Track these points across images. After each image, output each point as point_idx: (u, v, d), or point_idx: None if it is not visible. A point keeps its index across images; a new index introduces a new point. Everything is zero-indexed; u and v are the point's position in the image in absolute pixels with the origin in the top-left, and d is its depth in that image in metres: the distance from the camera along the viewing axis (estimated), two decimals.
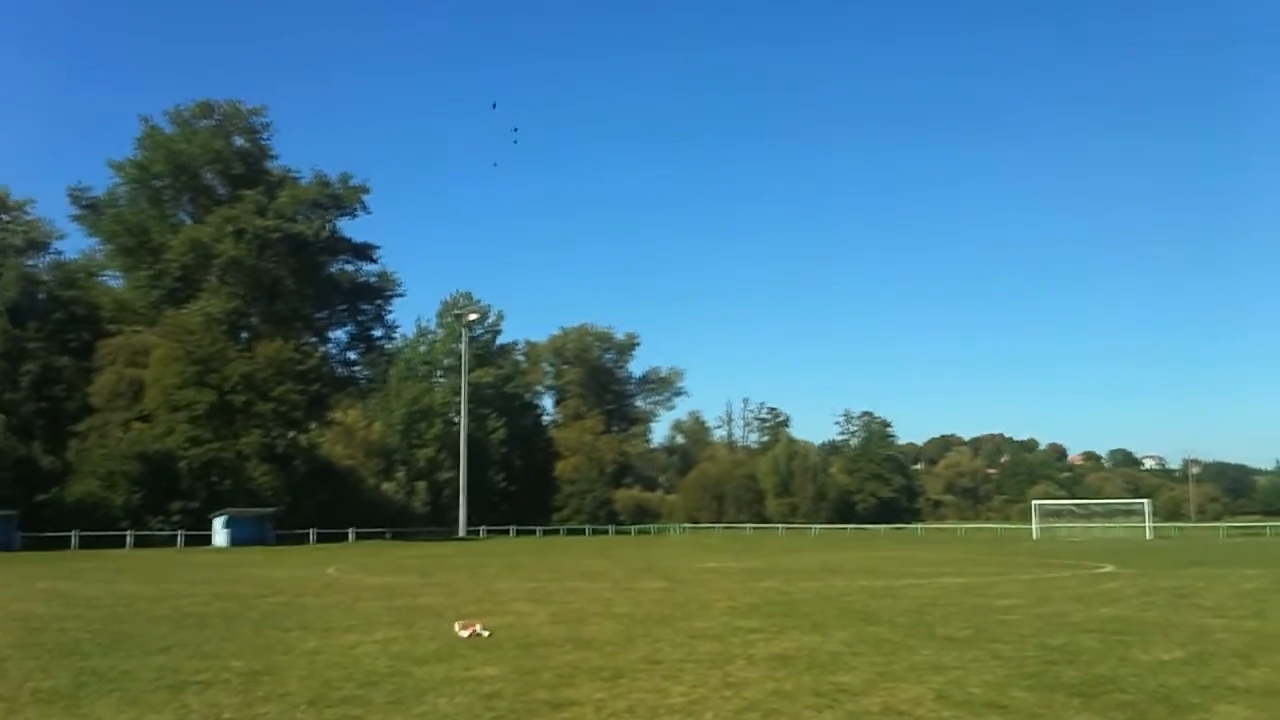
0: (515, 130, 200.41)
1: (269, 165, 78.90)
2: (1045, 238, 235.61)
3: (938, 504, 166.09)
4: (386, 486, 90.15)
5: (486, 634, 13.44)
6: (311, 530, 66.29)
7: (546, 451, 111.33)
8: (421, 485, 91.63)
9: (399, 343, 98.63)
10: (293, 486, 70.11)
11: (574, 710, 8.75)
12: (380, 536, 71.64)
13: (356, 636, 13.91)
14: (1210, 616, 16.34)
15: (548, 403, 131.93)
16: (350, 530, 69.95)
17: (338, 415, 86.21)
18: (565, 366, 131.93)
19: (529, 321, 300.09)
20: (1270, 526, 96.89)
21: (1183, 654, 11.91)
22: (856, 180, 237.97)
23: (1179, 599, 19.94)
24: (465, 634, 13.40)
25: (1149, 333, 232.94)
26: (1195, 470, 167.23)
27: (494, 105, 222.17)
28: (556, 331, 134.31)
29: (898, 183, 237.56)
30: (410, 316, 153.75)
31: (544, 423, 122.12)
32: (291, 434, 72.97)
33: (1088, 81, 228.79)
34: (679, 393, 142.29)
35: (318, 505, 70.50)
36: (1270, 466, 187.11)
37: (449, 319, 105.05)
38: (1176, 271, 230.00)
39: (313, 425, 77.77)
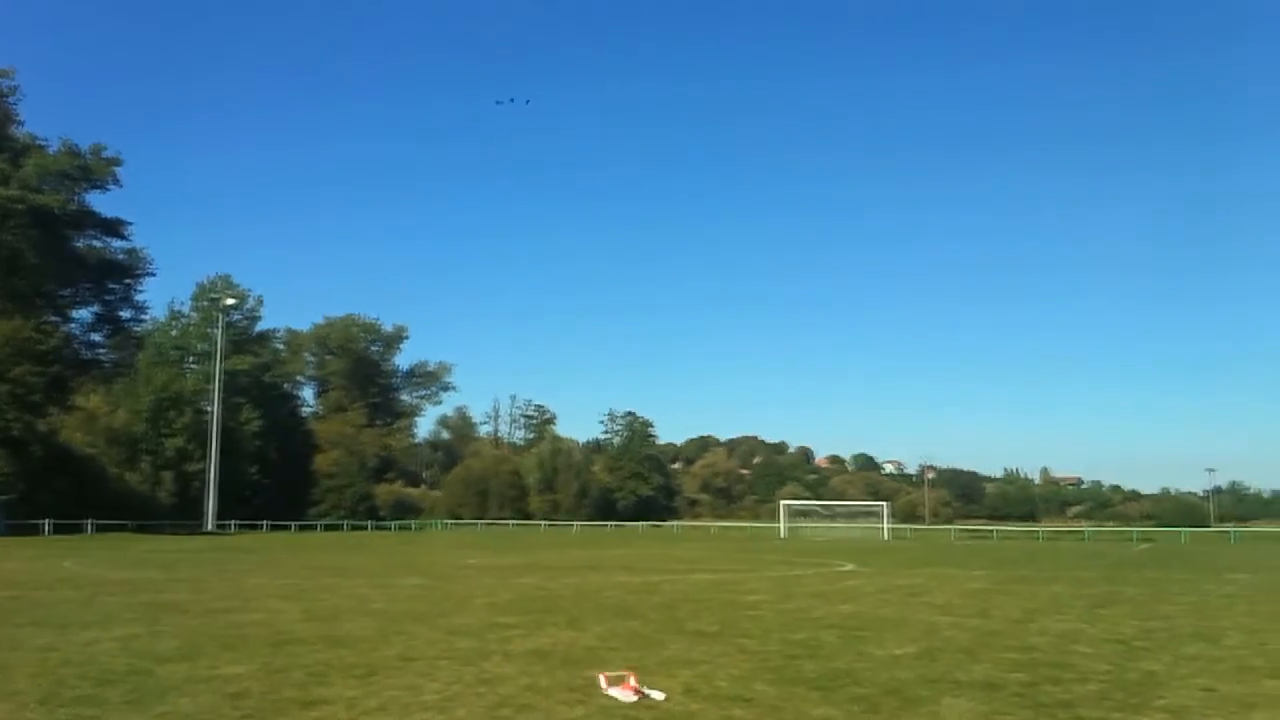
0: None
1: (15, 132, 73.62)
2: (795, 243, 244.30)
3: (694, 503, 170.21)
4: (130, 477, 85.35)
5: (661, 696, 9.08)
6: (47, 521, 62.33)
7: (305, 444, 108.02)
8: (168, 476, 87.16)
9: (149, 325, 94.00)
10: (28, 474, 65.85)
11: (324, 709, 8.59)
12: (122, 529, 67.88)
13: (94, 633, 13.20)
14: (940, 614, 17.39)
15: (308, 394, 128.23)
16: (89, 522, 66.14)
17: (79, 400, 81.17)
18: (329, 357, 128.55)
19: (291, 309, 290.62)
20: (997, 530, 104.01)
21: (914, 649, 12.63)
22: (625, 181, 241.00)
23: (912, 597, 21.14)
24: (627, 697, 8.96)
25: (891, 345, 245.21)
26: (931, 476, 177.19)
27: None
28: (320, 321, 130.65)
29: (662, 185, 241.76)
30: (163, 299, 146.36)
31: (304, 414, 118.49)
32: (28, 418, 68.28)
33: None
34: (446, 388, 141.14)
35: (55, 494, 66.40)
36: (998, 474, 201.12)
37: (204, 303, 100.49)
38: (914, 289, 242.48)
39: (52, 410, 73.00)
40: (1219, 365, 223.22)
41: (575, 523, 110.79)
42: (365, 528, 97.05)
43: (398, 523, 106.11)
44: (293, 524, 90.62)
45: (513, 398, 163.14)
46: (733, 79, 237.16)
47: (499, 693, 9.32)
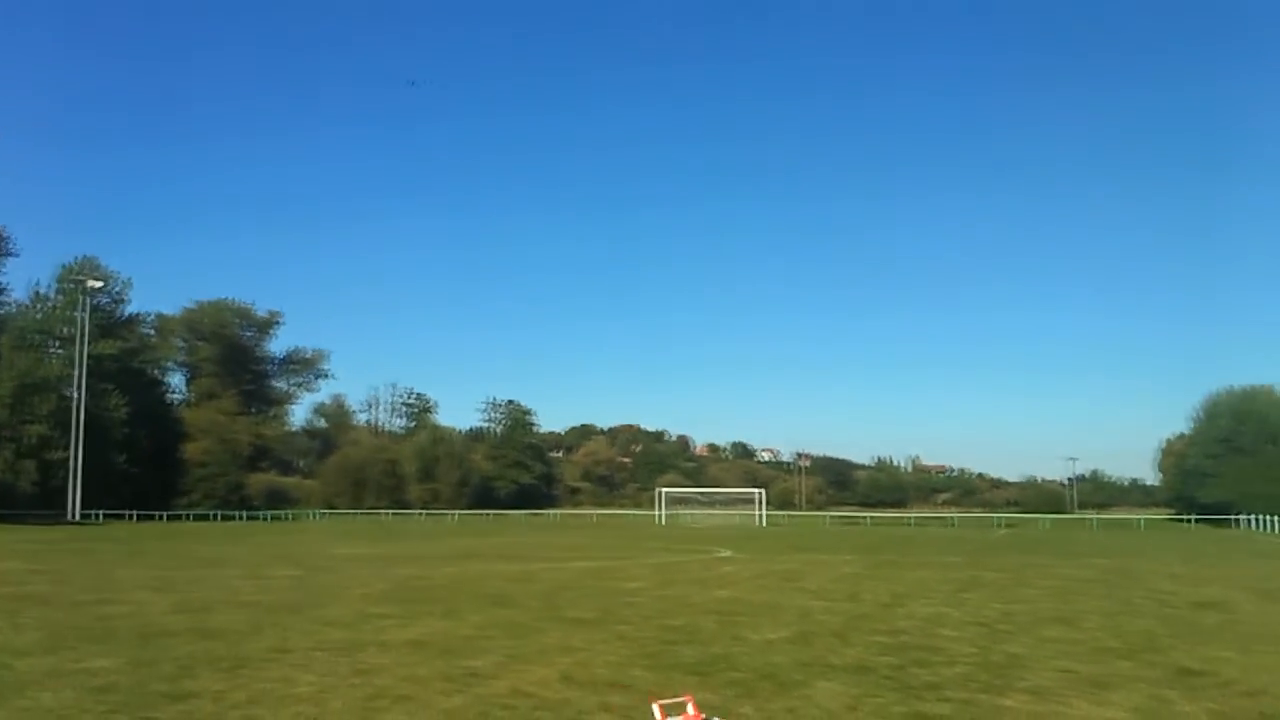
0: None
1: None
2: (670, 230, 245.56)
3: (575, 491, 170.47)
4: None
5: None
6: None
7: (175, 432, 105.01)
8: (30, 465, 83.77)
9: (11, 309, 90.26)
10: None
11: (192, 702, 8.40)
12: None
13: None
14: (813, 599, 17.76)
15: (178, 380, 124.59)
16: None
17: None
18: (199, 343, 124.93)
19: (160, 293, 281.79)
20: (868, 516, 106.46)
21: (788, 634, 12.89)
22: (502, 167, 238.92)
23: (786, 582, 21.54)
24: None
25: (767, 336, 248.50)
26: (805, 464, 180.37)
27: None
28: (191, 305, 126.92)
29: (537, 174, 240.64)
30: (25, 281, 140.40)
31: (173, 401, 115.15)
32: None
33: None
34: (322, 375, 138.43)
35: None
36: (869, 462, 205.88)
37: (69, 285, 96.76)
38: (787, 281, 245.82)
39: None
40: (1079, 361, 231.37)
41: (454, 512, 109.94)
42: (237, 518, 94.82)
43: (271, 513, 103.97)
44: (161, 514, 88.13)
45: (391, 386, 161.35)
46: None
47: (374, 684, 9.24)
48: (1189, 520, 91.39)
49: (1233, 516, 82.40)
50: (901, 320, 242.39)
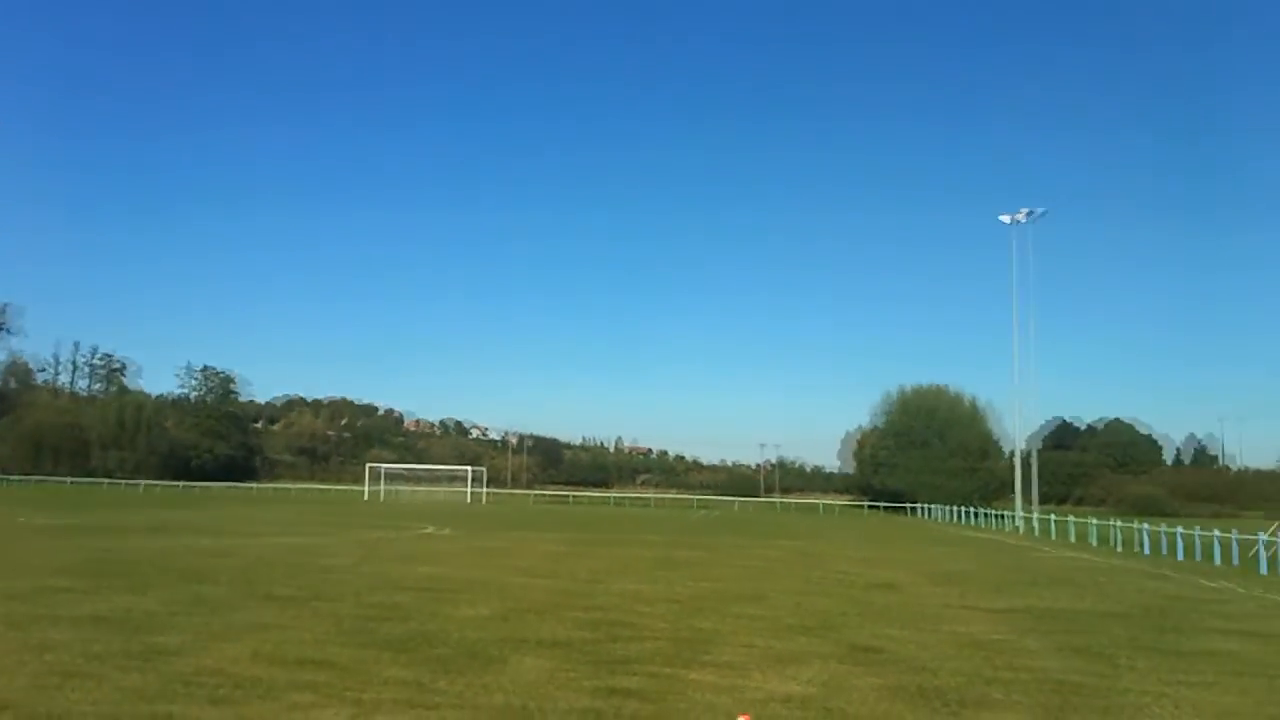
0: None
1: None
2: (385, 204, 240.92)
3: (279, 464, 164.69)
4: None
5: None
6: None
7: None
8: None
9: None
10: None
11: None
12: None
13: None
14: (517, 575, 17.98)
15: None
16: None
17: None
18: None
19: None
20: (574, 495, 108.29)
21: (490, 610, 13.02)
22: (194, 118, 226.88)
23: (492, 559, 21.69)
24: None
25: (485, 312, 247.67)
26: (515, 441, 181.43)
27: None
28: None
29: (245, 130, 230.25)
30: None
31: None
32: None
33: None
34: (5, 329, 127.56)
35: None
36: (578, 441, 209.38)
37: None
38: (501, 260, 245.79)
39: None
40: (774, 354, 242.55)
41: (144, 482, 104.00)
42: None
43: None
44: None
45: (76, 345, 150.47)
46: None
47: (48, 660, 8.73)
48: (868, 506, 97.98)
49: (907, 504, 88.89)
50: (612, 308, 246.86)
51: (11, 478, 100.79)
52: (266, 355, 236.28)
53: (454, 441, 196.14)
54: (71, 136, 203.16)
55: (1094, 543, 38.03)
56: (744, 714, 7.54)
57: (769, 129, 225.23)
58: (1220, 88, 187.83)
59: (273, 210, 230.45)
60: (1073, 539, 41.38)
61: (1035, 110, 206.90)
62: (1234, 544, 28.21)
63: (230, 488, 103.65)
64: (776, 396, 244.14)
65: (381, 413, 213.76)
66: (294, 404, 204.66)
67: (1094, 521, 40.76)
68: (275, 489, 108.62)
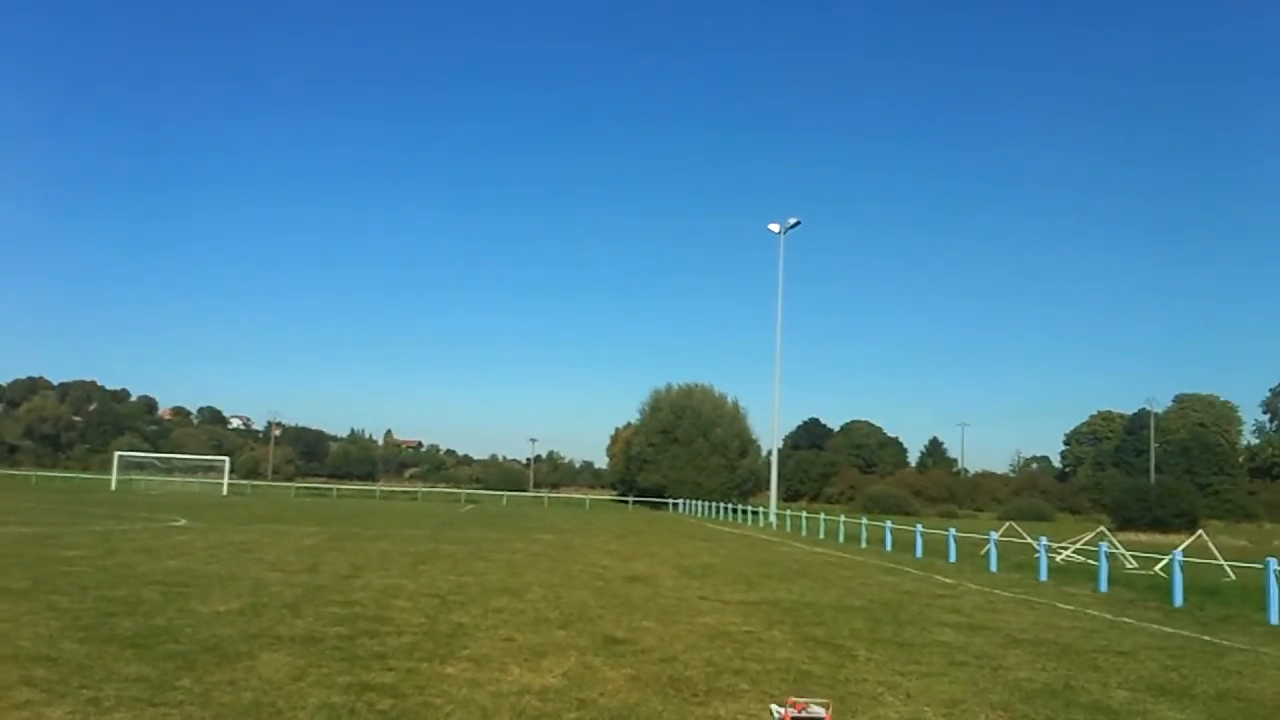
0: None
1: None
2: (170, 179, 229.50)
3: (14, 449, 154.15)
4: None
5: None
6: None
7: None
8: None
9: None
10: None
11: None
12: None
13: None
14: (269, 570, 17.52)
15: None
16: None
17: None
18: None
19: None
20: (336, 488, 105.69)
21: (239, 605, 12.66)
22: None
23: (243, 553, 21.04)
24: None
25: (249, 298, 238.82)
26: (277, 433, 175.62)
27: None
28: None
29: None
30: None
31: None
32: None
33: None
34: None
35: None
36: (344, 434, 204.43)
37: None
38: (245, 246, 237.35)
39: None
40: (542, 353, 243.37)
41: None
42: None
43: None
44: None
45: None
46: None
47: None
48: (629, 502, 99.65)
49: (665, 500, 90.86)
50: (383, 303, 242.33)
51: None
52: (4, 333, 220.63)
53: (211, 431, 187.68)
54: None
55: (841, 539, 39.88)
56: None
57: (541, 130, 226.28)
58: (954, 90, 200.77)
59: (20, 177, 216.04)
60: (821, 535, 43.25)
61: (796, 119, 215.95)
62: (951, 540, 30.15)
63: None
64: (547, 392, 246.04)
65: (134, 399, 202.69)
66: (35, 385, 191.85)
67: (842, 519, 42.68)
68: (10, 475, 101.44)
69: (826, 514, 48.41)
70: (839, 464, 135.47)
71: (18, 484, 79.36)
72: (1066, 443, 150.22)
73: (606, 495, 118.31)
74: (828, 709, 7.96)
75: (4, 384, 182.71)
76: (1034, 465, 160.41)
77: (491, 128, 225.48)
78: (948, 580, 22.61)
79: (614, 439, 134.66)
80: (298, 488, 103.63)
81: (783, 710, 7.92)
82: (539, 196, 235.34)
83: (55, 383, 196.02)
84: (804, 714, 7.84)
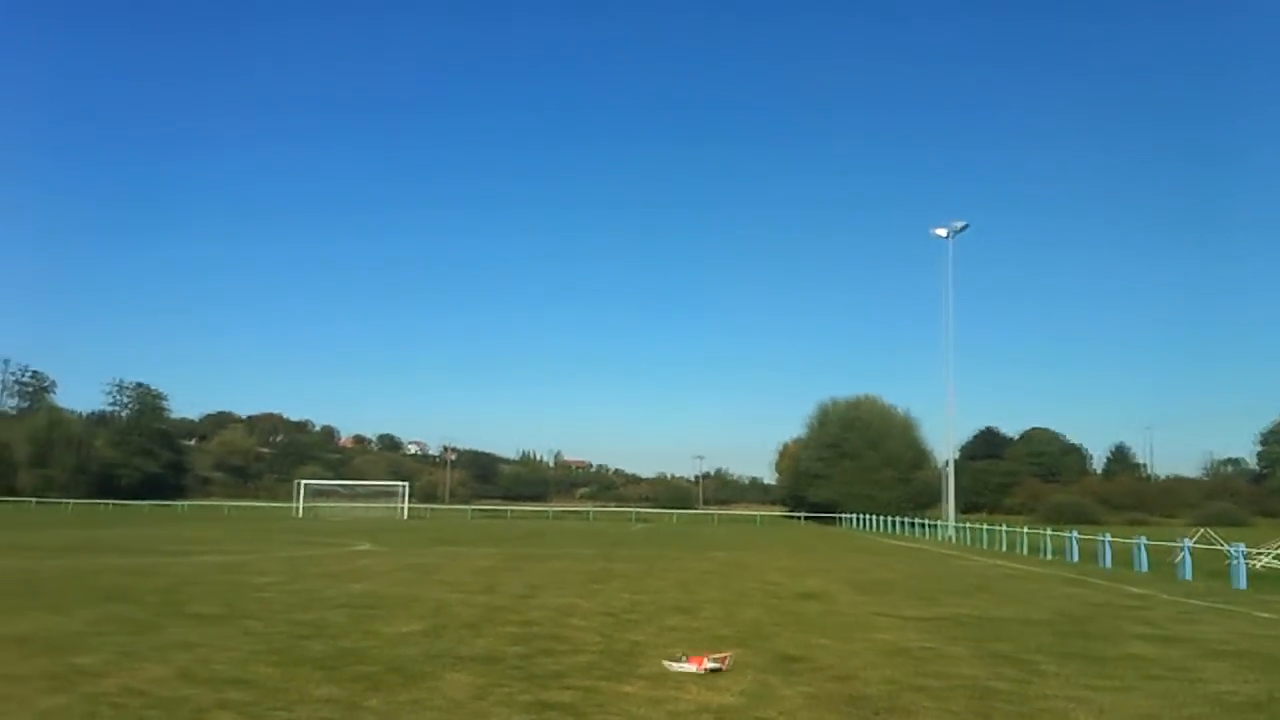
0: None
1: None
2: (319, 220, 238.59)
3: (207, 481, 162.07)
4: None
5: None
6: None
7: None
8: None
9: None
10: None
11: None
12: None
13: None
14: (449, 591, 17.89)
15: None
16: None
17: None
18: None
19: None
20: (510, 510, 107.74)
21: (421, 626, 12.94)
22: (112, 138, 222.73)
23: (424, 575, 21.55)
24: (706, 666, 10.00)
25: (417, 329, 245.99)
26: (452, 457, 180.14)
27: None
28: None
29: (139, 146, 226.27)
30: None
31: None
32: None
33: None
34: None
35: None
36: (515, 456, 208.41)
37: None
38: (441, 281, 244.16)
39: None
40: (709, 367, 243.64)
41: (70, 500, 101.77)
42: None
43: None
44: None
45: (5, 362, 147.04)
46: None
47: None
48: (799, 517, 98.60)
49: (837, 515, 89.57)
50: (549, 321, 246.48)
51: None
52: (196, 371, 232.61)
53: (388, 457, 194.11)
54: None
55: (1022, 551, 38.62)
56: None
57: (693, 149, 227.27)
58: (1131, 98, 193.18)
59: (204, 228, 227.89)
60: (1002, 548, 41.99)
61: (959, 127, 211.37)
62: (1140, 549, 28.86)
63: (158, 506, 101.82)
64: (713, 410, 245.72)
65: (316, 429, 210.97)
66: (224, 419, 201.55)
67: (1023, 530, 41.36)
68: (204, 506, 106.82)
69: (1007, 526, 46.94)
70: (1018, 474, 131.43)
71: (211, 514, 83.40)
72: (1263, 442, 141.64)
73: (776, 511, 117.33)
74: (724, 661, 9.85)
75: (196, 419, 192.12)
76: (1227, 467, 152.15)
77: (675, 150, 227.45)
78: (1138, 591, 21.64)
79: (781, 454, 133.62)
80: (473, 510, 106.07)
81: (676, 664, 9.68)
82: (695, 215, 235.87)
83: (243, 416, 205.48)
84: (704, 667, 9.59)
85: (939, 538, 56.57)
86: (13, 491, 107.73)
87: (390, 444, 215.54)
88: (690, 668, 9.89)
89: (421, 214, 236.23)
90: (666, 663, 10.19)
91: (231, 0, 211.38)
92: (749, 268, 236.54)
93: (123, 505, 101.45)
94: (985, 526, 49.45)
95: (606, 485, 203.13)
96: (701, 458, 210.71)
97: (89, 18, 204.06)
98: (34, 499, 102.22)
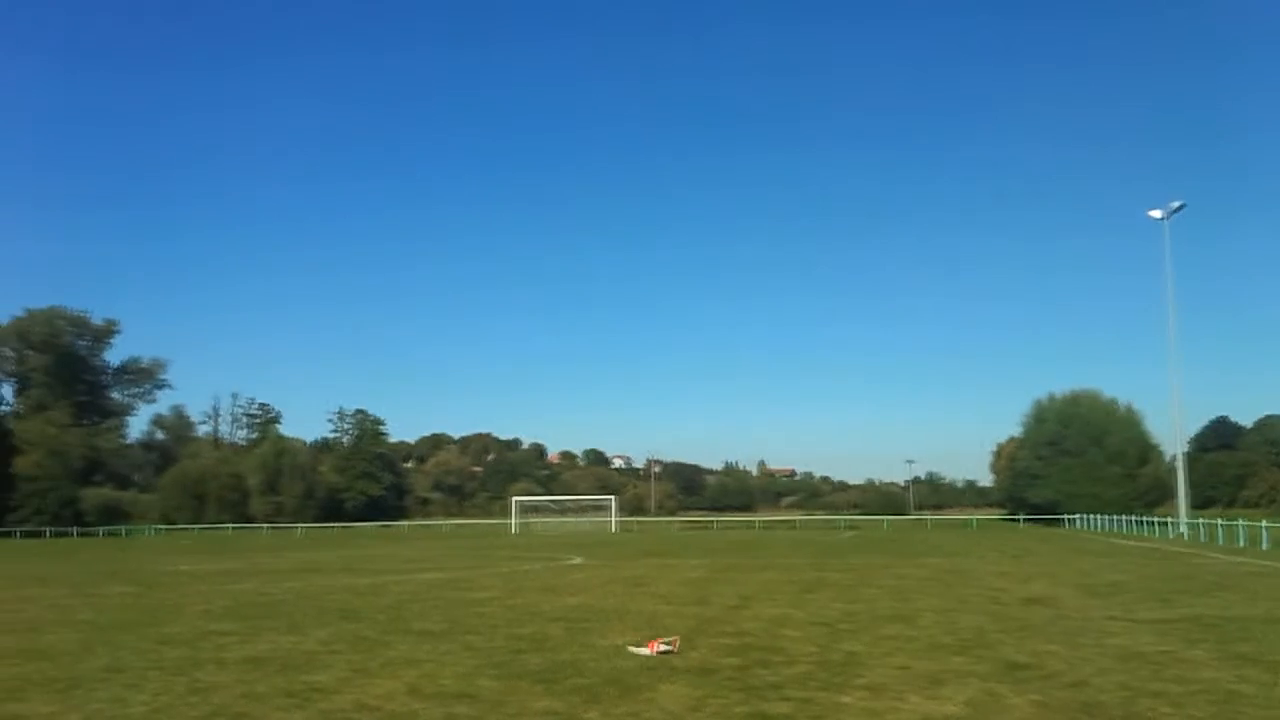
0: None
1: None
2: (524, 238, 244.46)
3: (426, 501, 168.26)
4: None
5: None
6: None
7: (3, 445, 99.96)
8: None
9: None
10: None
11: None
12: None
13: None
14: (661, 603, 17.97)
15: (7, 392, 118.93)
16: None
17: None
18: (29, 353, 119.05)
19: None
20: (716, 521, 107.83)
21: (635, 638, 13.01)
22: (345, 163, 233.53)
23: (635, 588, 21.72)
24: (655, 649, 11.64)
25: (621, 343, 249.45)
26: (657, 469, 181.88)
27: None
28: (21, 314, 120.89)
29: (385, 173, 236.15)
30: None
31: (1, 413, 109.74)
32: None
33: None
34: (161, 385, 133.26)
35: None
36: (719, 467, 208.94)
37: None
38: (642, 289, 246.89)
39: None
40: (916, 368, 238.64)
41: (301, 525, 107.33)
42: (69, 534, 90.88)
43: (106, 528, 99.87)
44: None
45: (234, 396, 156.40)
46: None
47: (212, 702, 9.02)
48: (1019, 520, 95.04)
49: (1060, 515, 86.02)
50: (750, 329, 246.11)
51: (175, 527, 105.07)
52: (410, 395, 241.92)
53: (595, 472, 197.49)
54: (197, 199, 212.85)
55: (1264, 546, 36.24)
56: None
57: (891, 144, 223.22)
58: None
59: (413, 259, 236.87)
60: (1241, 543, 39.52)
61: (1174, 109, 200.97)
62: None
63: (381, 527, 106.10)
64: (922, 412, 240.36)
65: (525, 447, 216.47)
66: (438, 441, 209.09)
67: (1264, 524, 38.80)
68: (423, 526, 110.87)
69: (1245, 520, 44.11)
70: (1256, 464, 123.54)
71: (431, 533, 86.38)
72: None
73: (993, 514, 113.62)
74: (674, 644, 11.55)
75: (413, 442, 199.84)
76: None
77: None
78: None
79: (997, 455, 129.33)
80: (680, 522, 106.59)
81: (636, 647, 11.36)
82: (897, 216, 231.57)
83: (456, 437, 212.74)
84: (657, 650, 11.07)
85: (1170, 536, 53.67)
86: (246, 519, 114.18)
87: (597, 458, 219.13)
88: (645, 651, 11.41)
89: (616, 228, 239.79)
90: (631, 647, 11.77)
91: None
92: (951, 265, 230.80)
93: (348, 527, 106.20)
94: (1221, 521, 46.64)
95: (813, 493, 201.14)
96: (912, 461, 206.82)
97: None
98: (266, 525, 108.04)
